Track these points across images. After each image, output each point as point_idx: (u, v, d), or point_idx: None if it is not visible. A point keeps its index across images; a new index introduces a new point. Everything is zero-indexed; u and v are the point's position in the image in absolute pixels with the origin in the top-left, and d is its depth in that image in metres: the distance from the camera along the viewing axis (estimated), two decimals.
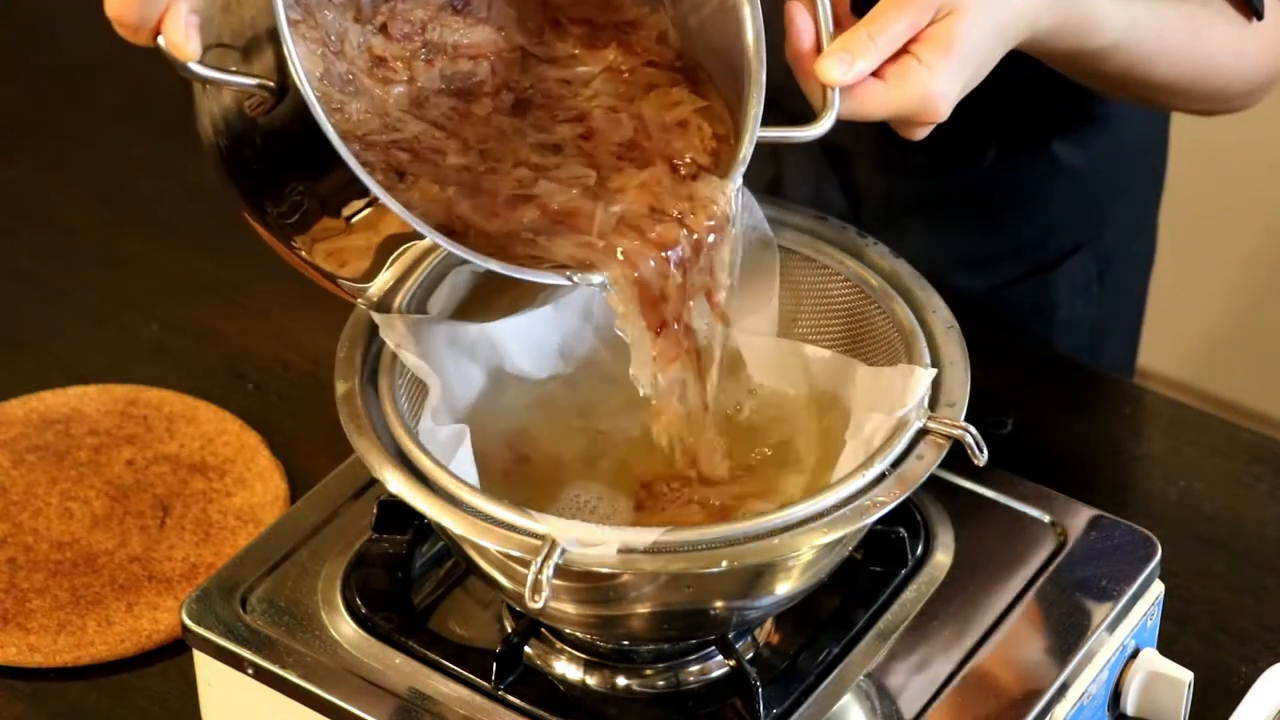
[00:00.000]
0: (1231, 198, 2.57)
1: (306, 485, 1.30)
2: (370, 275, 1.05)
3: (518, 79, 1.14)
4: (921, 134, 1.13)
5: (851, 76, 1.08)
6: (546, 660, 1.15)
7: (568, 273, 1.05)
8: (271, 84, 0.97)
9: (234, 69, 0.98)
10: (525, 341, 1.19)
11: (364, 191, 0.98)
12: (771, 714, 1.11)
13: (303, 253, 1.04)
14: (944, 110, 1.10)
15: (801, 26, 1.10)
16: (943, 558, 1.20)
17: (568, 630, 1.14)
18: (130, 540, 1.34)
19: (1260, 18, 1.31)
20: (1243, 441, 1.43)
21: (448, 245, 1.01)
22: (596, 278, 1.06)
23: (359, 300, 1.09)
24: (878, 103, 1.09)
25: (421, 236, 1.00)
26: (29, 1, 1.96)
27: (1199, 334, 2.69)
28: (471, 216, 1.06)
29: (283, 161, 1.01)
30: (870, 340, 1.18)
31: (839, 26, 1.10)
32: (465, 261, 1.02)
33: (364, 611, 1.17)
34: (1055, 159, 1.50)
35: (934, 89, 1.09)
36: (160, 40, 0.97)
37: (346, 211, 1.00)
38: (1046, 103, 1.46)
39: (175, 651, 1.27)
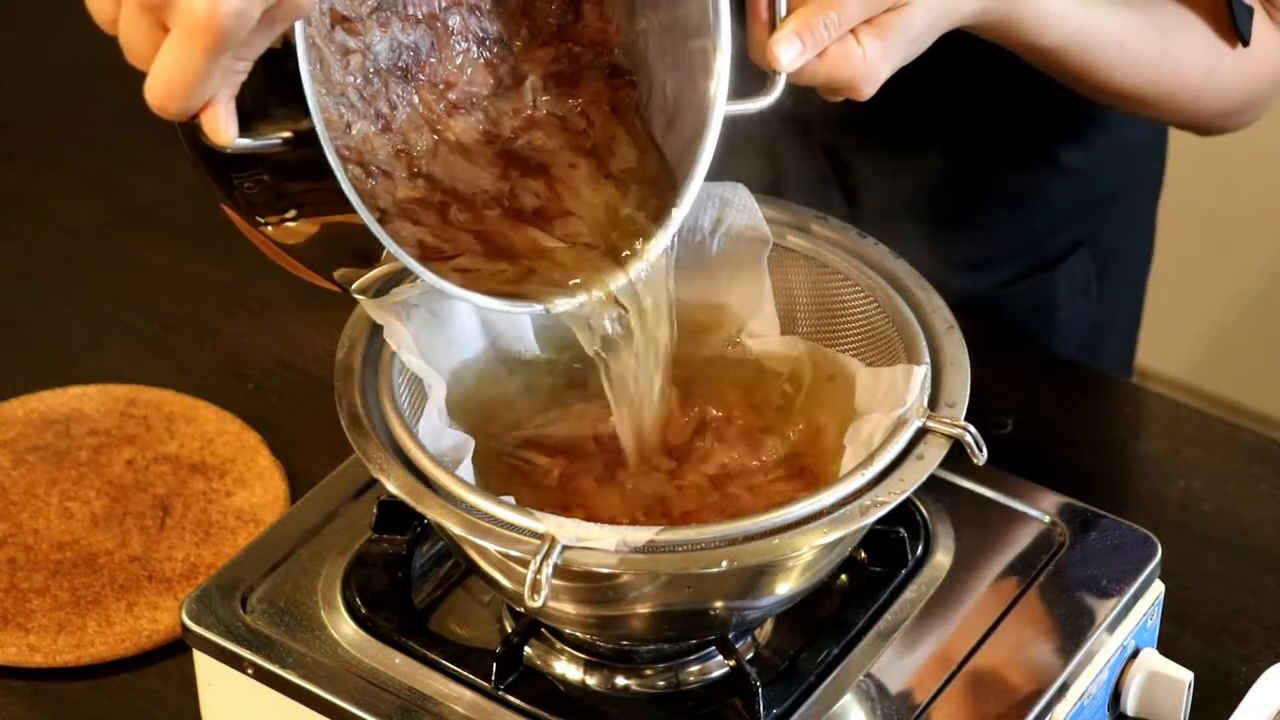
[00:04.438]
0: (1231, 197, 2.57)
1: (306, 485, 1.30)
2: (349, 277, 1.05)
3: (465, 77, 1.14)
4: (838, 99, 1.15)
5: (799, 63, 1.10)
6: (546, 660, 1.15)
7: (544, 305, 1.07)
8: (290, 136, 0.97)
9: (261, 130, 0.97)
10: (519, 320, 1.20)
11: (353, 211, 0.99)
12: (771, 714, 1.11)
13: (270, 232, 1.04)
14: (869, 92, 1.13)
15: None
16: (943, 558, 1.20)
17: (568, 630, 1.14)
18: (130, 540, 1.34)
19: (1246, 43, 1.31)
20: (1243, 441, 1.43)
21: (439, 284, 1.02)
22: (565, 304, 1.08)
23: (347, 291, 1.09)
24: (809, 73, 1.12)
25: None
26: (29, 2, 1.96)
27: (1198, 333, 2.69)
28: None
29: (283, 180, 1.00)
30: (870, 340, 1.18)
31: None
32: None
33: (364, 611, 1.17)
34: (1055, 159, 1.50)
35: (865, 73, 1.12)
36: (197, 121, 0.96)
37: (341, 234, 1.01)
38: (1046, 104, 1.46)
39: (175, 651, 1.27)
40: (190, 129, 1.01)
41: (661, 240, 1.11)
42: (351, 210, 0.98)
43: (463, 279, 1.05)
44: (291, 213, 1.02)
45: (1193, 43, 1.31)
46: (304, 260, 1.05)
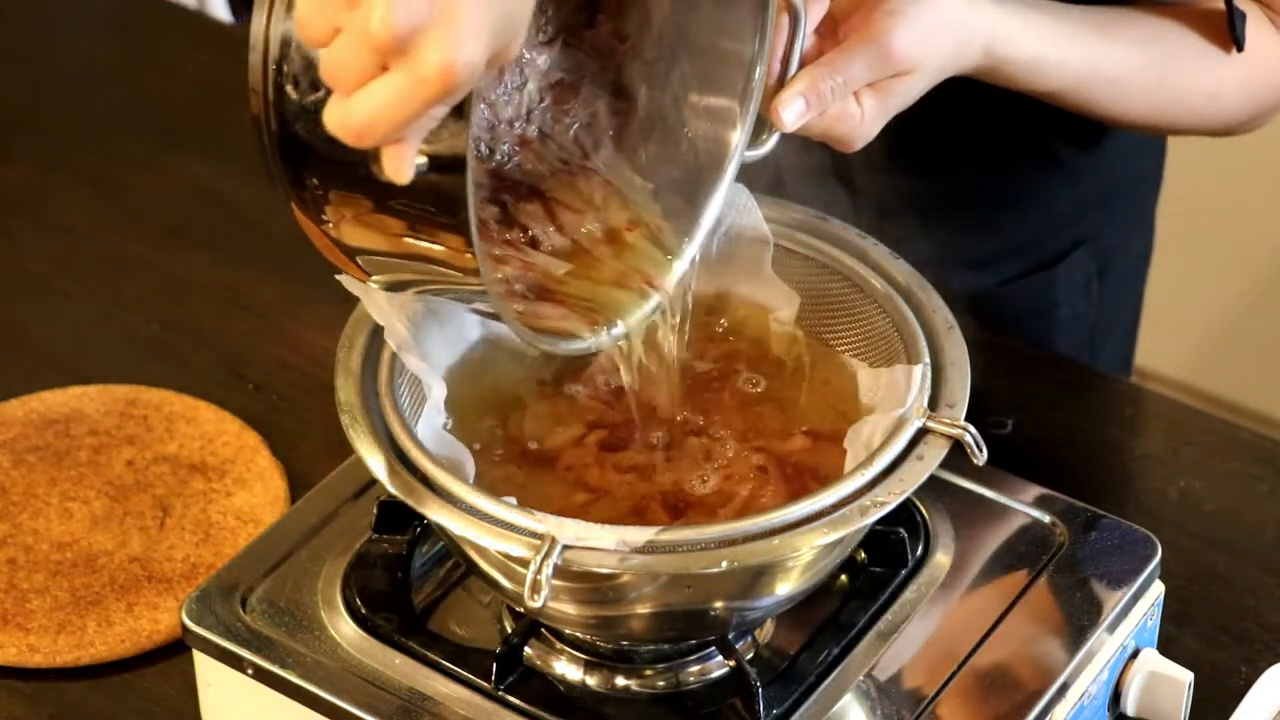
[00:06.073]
0: (1231, 198, 2.57)
1: (306, 485, 1.30)
2: (399, 279, 1.05)
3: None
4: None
5: (801, 123, 1.14)
6: (546, 660, 1.15)
7: (588, 342, 1.09)
8: (425, 162, 0.95)
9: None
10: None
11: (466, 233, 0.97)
12: (771, 714, 1.11)
13: (331, 231, 1.02)
14: (858, 147, 1.18)
15: (776, 45, 1.14)
16: (943, 558, 1.21)
17: (568, 631, 1.14)
18: (130, 540, 1.34)
19: (1240, 49, 1.32)
20: (1243, 441, 1.43)
21: (511, 322, 1.03)
22: (603, 340, 1.10)
23: (370, 281, 1.08)
24: (806, 127, 1.15)
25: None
26: (29, 3, 1.97)
27: (1198, 333, 2.69)
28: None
29: (392, 196, 0.98)
30: (870, 340, 1.18)
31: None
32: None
33: (364, 612, 1.17)
34: (1055, 158, 1.50)
35: (860, 132, 1.16)
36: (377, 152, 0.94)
37: (431, 237, 0.99)
38: (1047, 104, 1.46)
39: (175, 651, 1.27)
40: (274, 119, 0.98)
41: (676, 271, 1.13)
42: (461, 230, 0.96)
43: (519, 315, 1.06)
44: (377, 218, 1.00)
45: (1195, 68, 1.33)
46: (357, 253, 1.04)
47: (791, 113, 1.13)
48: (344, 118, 0.91)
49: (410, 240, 0.99)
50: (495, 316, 1.05)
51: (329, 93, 0.92)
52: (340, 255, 1.04)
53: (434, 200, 0.96)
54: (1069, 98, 1.30)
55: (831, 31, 1.16)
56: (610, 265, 1.13)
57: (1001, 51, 1.22)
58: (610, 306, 1.12)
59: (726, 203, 1.20)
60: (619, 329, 1.11)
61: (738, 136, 1.15)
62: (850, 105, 1.15)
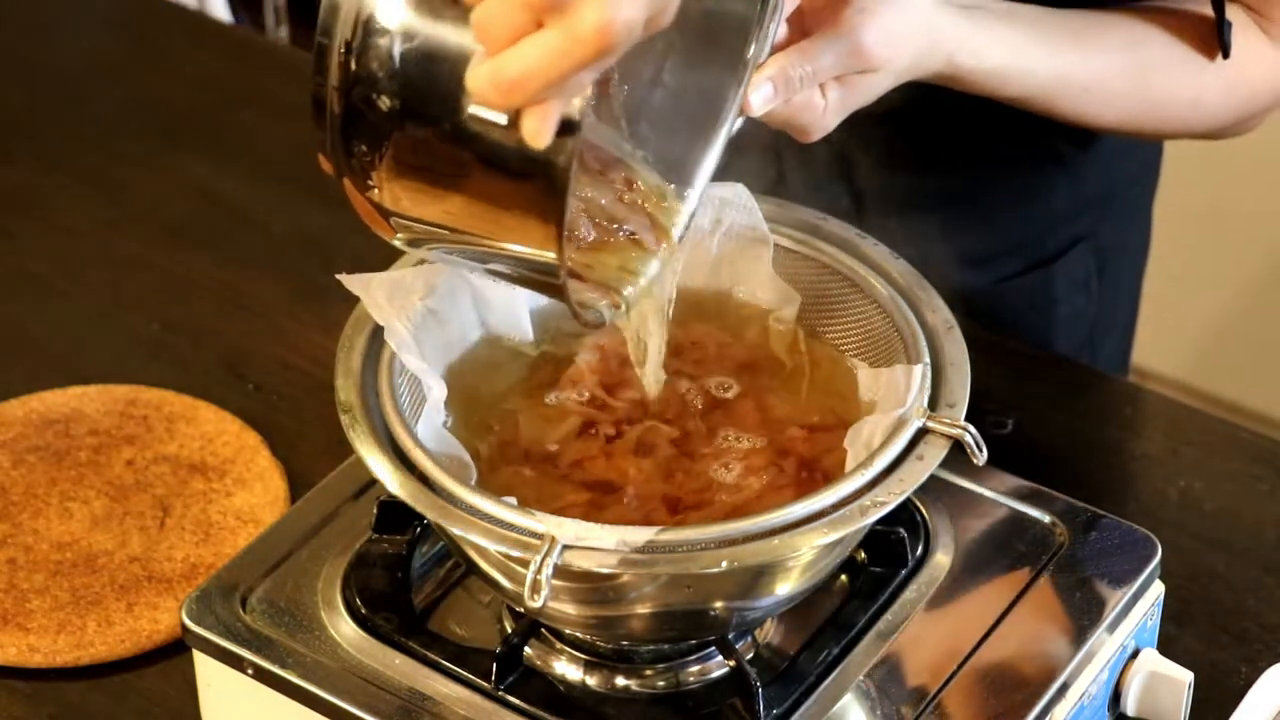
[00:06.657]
0: (1229, 197, 2.57)
1: (306, 485, 1.30)
2: (432, 234, 1.03)
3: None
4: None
5: (768, 109, 1.14)
6: (546, 660, 1.15)
7: (606, 314, 1.08)
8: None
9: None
10: (510, 306, 1.20)
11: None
12: (771, 714, 1.11)
13: (376, 195, 1.00)
14: (815, 139, 1.18)
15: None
16: (943, 558, 1.21)
17: (568, 631, 1.14)
18: (130, 540, 1.34)
19: (1226, 55, 1.32)
20: (1243, 441, 1.43)
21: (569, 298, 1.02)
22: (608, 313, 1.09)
23: (396, 239, 1.06)
24: (769, 114, 1.15)
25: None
26: (29, 3, 1.97)
27: (1197, 333, 2.69)
28: None
29: (471, 155, 0.96)
30: (870, 340, 1.19)
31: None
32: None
33: (364, 612, 1.17)
34: (1054, 155, 1.50)
35: (820, 123, 1.17)
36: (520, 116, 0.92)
37: (515, 208, 0.97)
38: None
39: (175, 651, 1.27)
40: (339, 99, 0.97)
41: (667, 256, 1.12)
42: (554, 202, 0.94)
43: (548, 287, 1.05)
44: (449, 188, 0.98)
45: (1177, 75, 1.33)
46: (392, 215, 1.02)
47: (759, 97, 1.13)
48: (494, 74, 0.89)
49: (484, 210, 0.98)
50: (515, 281, 1.04)
51: (405, 63, 0.92)
52: (380, 220, 1.02)
53: (530, 167, 0.93)
54: (1037, 104, 1.30)
55: (799, 24, 1.16)
56: (618, 236, 1.13)
57: (965, 62, 1.23)
58: (619, 278, 1.11)
59: (724, 200, 1.20)
60: (623, 305, 1.11)
61: (725, 113, 1.14)
62: (815, 96, 1.15)
